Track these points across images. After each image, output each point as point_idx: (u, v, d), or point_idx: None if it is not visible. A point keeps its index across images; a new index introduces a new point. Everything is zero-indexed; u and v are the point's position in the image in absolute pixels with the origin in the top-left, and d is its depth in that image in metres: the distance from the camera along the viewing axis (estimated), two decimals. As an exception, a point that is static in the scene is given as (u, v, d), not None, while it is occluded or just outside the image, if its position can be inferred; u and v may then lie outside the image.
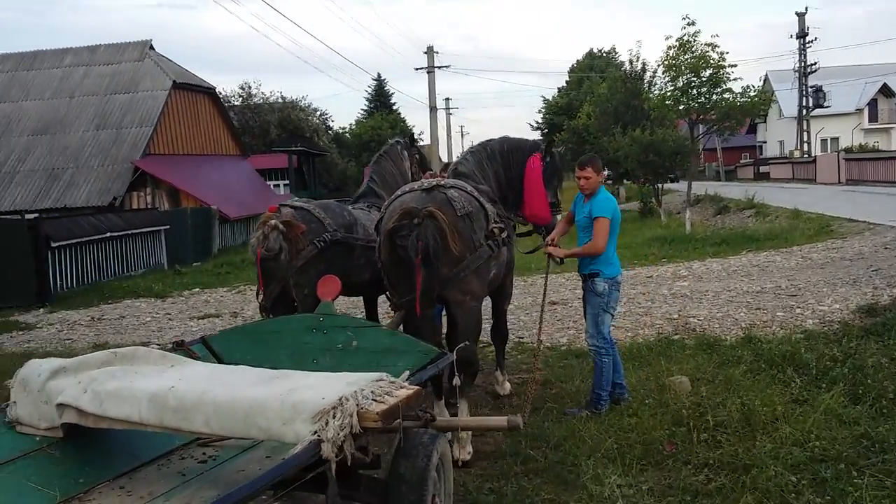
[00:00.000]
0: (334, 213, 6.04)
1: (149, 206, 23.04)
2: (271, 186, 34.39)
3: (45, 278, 13.95)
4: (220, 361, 4.32)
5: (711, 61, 17.89)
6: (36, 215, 15.10)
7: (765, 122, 57.37)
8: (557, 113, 52.12)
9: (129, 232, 17.25)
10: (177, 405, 3.10)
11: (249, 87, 40.74)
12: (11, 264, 13.57)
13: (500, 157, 6.18)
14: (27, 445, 3.30)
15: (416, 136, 7.48)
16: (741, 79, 33.03)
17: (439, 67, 40.34)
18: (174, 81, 25.89)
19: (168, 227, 18.98)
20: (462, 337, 5.30)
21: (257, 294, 5.84)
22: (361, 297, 7.27)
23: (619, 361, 6.12)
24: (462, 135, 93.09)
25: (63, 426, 3.29)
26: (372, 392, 2.99)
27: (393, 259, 5.16)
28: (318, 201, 6.31)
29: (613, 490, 4.55)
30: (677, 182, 37.22)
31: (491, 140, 6.43)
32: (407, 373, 3.30)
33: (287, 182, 33.94)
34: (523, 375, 7.34)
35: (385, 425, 2.91)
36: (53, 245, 14.29)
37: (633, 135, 24.34)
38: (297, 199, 6.31)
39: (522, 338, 8.82)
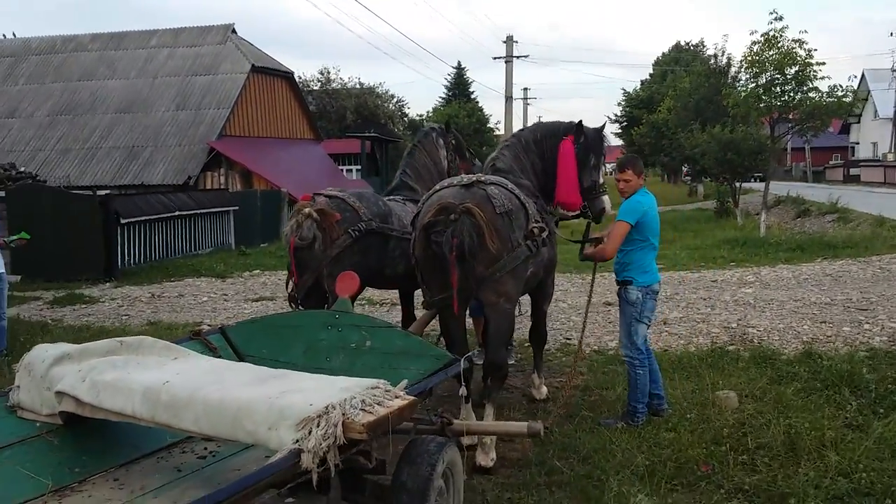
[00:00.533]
0: (369, 203, 5.88)
1: (221, 187, 23.52)
2: (343, 171, 34.76)
3: (114, 253, 14.36)
4: (236, 353, 4.29)
5: (798, 58, 17.06)
6: (107, 192, 15.49)
7: (858, 122, 54.86)
8: (637, 106, 50.98)
9: (198, 211, 17.61)
10: (169, 401, 3.04)
11: (328, 73, 41.28)
12: (83, 239, 14.02)
13: (535, 146, 5.92)
14: (26, 431, 3.30)
15: (451, 123, 7.04)
16: (829, 77, 31.66)
17: (517, 57, 39.82)
18: (253, 65, 26.33)
19: (237, 207, 19.31)
20: (494, 339, 5.14)
21: (287, 284, 5.77)
22: (397, 290, 7.13)
23: (658, 371, 5.84)
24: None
25: (62, 414, 3.28)
26: (363, 401, 2.86)
27: (427, 255, 5.01)
28: (353, 190, 6.14)
29: (637, 510, 4.32)
30: (763, 182, 35.92)
31: (523, 129, 6.20)
32: (405, 381, 3.15)
33: (359, 167, 34.19)
34: (564, 379, 7.11)
35: (371, 437, 2.78)
36: (123, 222, 14.69)
37: (711, 131, 23.58)
38: (331, 188, 6.16)
39: (570, 339, 8.57)
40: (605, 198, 5.96)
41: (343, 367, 4.00)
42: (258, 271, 14.98)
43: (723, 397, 5.94)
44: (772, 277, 11.91)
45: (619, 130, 56.83)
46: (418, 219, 5.13)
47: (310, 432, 2.70)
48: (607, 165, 6.30)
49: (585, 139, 5.84)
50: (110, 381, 3.19)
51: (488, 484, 4.82)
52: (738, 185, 24.72)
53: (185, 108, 25.52)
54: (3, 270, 8.17)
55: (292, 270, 5.61)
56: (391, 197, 6.49)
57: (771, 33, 17.61)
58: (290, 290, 5.72)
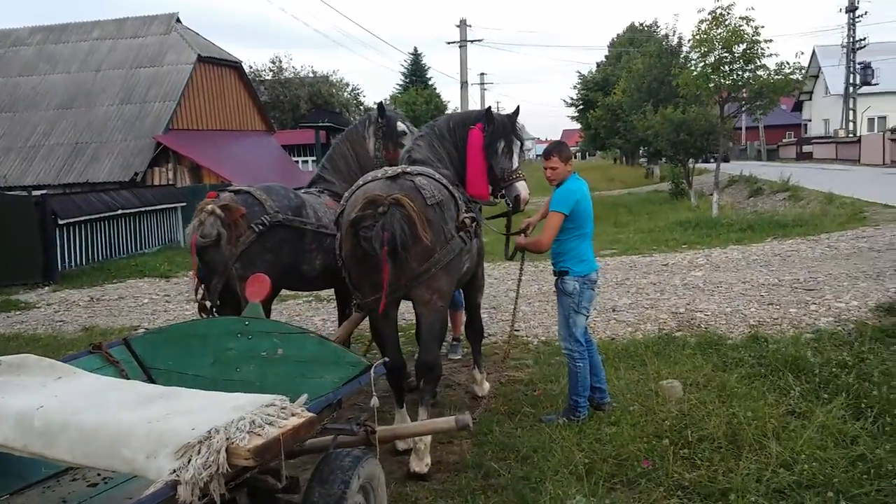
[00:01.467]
0: (278, 195, 5.50)
1: (170, 182, 22.93)
2: (299, 163, 34.23)
3: (52, 256, 13.83)
4: (141, 366, 4.00)
5: (745, 36, 17.02)
6: (44, 192, 14.92)
7: (811, 99, 55.58)
8: (593, 89, 51.02)
9: (143, 209, 17.10)
10: (42, 428, 2.76)
11: (280, 62, 40.57)
12: (19, 242, 13.47)
13: (449, 136, 5.62)
14: None
15: (384, 106, 6.54)
16: (777, 55, 31.88)
17: (471, 41, 39.52)
18: (199, 55, 25.63)
19: (185, 204, 18.79)
20: (426, 339, 4.92)
21: (195, 291, 5.43)
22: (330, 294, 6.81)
23: (599, 364, 5.65)
24: (498, 111, 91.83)
25: (-69, 444, 2.97)
26: (252, 422, 2.61)
27: (356, 254, 4.72)
28: (262, 184, 5.76)
29: (573, 513, 4.14)
30: (727, 162, 36.20)
31: (438, 119, 5.94)
32: (305, 396, 2.91)
33: (315, 158, 33.66)
34: (511, 373, 6.93)
35: (258, 464, 2.53)
36: (61, 222, 14.15)
37: (664, 112, 23.58)
38: (237, 185, 5.79)
39: (518, 331, 8.38)
40: (520, 184, 5.57)
41: (253, 377, 3.75)
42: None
43: (667, 387, 5.80)
44: (722, 259, 11.87)
45: (576, 114, 56.90)
46: (343, 216, 4.85)
47: (189, 461, 2.44)
48: (527, 152, 5.95)
49: (493, 126, 5.55)
50: (-19, 407, 2.90)
51: (422, 491, 4.61)
52: (691, 165, 24.80)
53: (130, 102, 24.78)
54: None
55: (197, 274, 5.25)
56: (307, 190, 6.17)
57: (718, 11, 17.56)
58: (198, 296, 5.37)
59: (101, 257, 15.58)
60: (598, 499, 4.29)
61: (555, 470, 4.66)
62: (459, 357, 7.44)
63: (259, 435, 2.57)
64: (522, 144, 5.75)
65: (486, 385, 6.30)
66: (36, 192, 14.53)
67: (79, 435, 2.69)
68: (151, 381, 3.95)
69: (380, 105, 6.57)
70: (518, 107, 5.97)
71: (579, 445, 4.97)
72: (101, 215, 15.54)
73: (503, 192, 5.67)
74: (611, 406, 5.58)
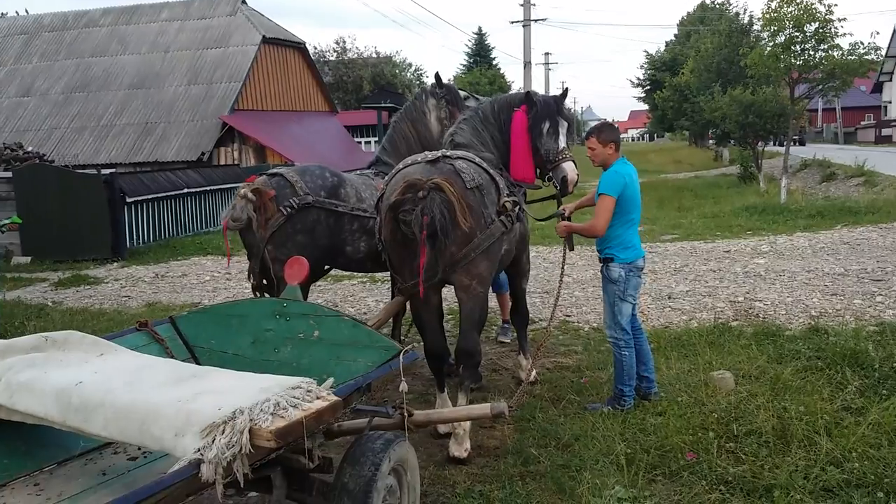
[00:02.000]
0: (312, 177, 5.48)
1: (236, 162, 23.39)
2: (361, 144, 34.49)
3: (120, 233, 14.28)
4: (185, 343, 4.09)
5: (817, 14, 16.34)
6: (113, 170, 15.37)
7: (891, 80, 53.21)
8: (660, 69, 49.89)
9: (208, 188, 17.48)
10: (79, 404, 2.85)
11: (344, 42, 40.84)
12: (89, 219, 13.96)
13: (493, 119, 5.53)
14: (-52, 434, 3.13)
15: (440, 77, 6.40)
16: (851, 34, 30.46)
17: (535, 21, 39.05)
18: (264, 36, 26.04)
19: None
20: (465, 325, 4.88)
21: (248, 272, 5.55)
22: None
23: (648, 353, 5.54)
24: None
25: (-15, 415, 3.10)
26: (276, 404, 2.64)
27: (396, 238, 4.71)
28: (299, 165, 5.73)
29: (611, 504, 4.08)
30: (803, 145, 35.08)
31: (483, 103, 5.85)
32: (331, 380, 2.92)
33: (377, 139, 33.87)
34: (559, 359, 6.87)
35: (279, 445, 2.56)
36: (129, 200, 14.59)
37: (732, 94, 22.91)
38: (280, 165, 5.87)
39: (570, 316, 8.30)
40: (567, 165, 5.42)
41: (290, 358, 3.80)
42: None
43: (718, 378, 5.64)
44: (787, 246, 11.50)
45: (643, 94, 55.76)
46: (383, 200, 4.85)
47: (213, 440, 2.48)
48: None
49: (537, 107, 5.44)
50: (25, 381, 3.01)
51: (460, 475, 4.60)
52: (760, 148, 24.05)
53: (196, 83, 25.35)
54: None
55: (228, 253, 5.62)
56: (362, 171, 6.18)
57: (789, -13, 16.90)
58: (251, 279, 5.49)
59: (167, 235, 16.01)
60: (638, 490, 4.21)
61: (595, 459, 4.60)
62: (509, 340, 7.39)
63: (282, 417, 2.59)
64: (570, 125, 5.62)
65: (534, 372, 6.24)
66: (105, 171, 14.96)
67: (113, 412, 2.76)
68: (195, 359, 4.05)
69: (437, 75, 6.49)
70: (566, 88, 5.86)
71: (622, 435, 4.90)
72: (168, 194, 15.96)
73: (550, 174, 5.56)
74: (658, 396, 5.48)
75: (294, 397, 2.72)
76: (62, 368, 3.11)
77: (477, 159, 4.92)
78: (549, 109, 5.45)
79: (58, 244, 13.99)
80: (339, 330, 3.74)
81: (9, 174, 14.78)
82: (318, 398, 2.76)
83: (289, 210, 5.27)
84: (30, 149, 18.65)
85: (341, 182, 5.62)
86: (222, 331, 4.03)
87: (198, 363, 3.99)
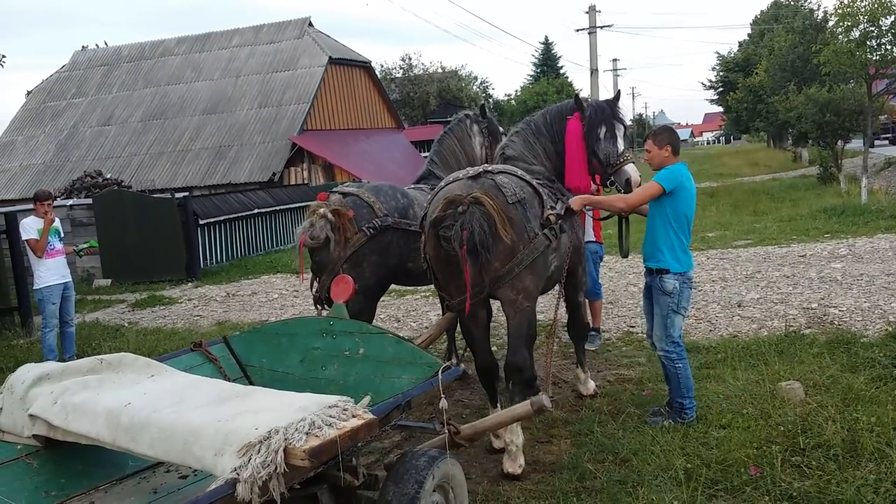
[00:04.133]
0: (386, 197, 5.61)
1: (305, 182, 23.88)
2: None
3: (194, 254, 14.74)
4: (238, 363, 4.18)
5: (893, 7, 15.66)
6: (186, 194, 15.89)
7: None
8: (733, 70, 48.67)
9: (278, 208, 17.89)
10: (128, 424, 2.94)
11: (410, 59, 41.31)
12: (164, 241, 14.45)
13: (546, 130, 5.51)
14: (5, 454, 3.27)
15: (486, 108, 6.72)
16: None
17: (601, 27, 38.66)
18: (330, 57, 26.58)
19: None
20: (513, 340, 4.83)
21: (311, 285, 5.65)
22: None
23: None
24: (633, 97, 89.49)
25: (38, 437, 3.23)
26: (311, 423, 2.66)
27: (439, 255, 4.71)
28: (370, 184, 5.90)
29: (668, 521, 3.97)
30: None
31: (534, 114, 5.80)
32: (367, 399, 2.93)
33: (444, 153, 34.07)
34: (622, 371, 6.73)
35: (314, 465, 2.57)
36: (202, 222, 15.06)
37: (808, 92, 22.15)
38: (349, 183, 6.00)
39: (634, 327, 8.13)
40: (629, 167, 5.39)
41: (337, 376, 3.84)
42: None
43: (786, 389, 5.44)
44: (866, 249, 11.01)
45: (715, 97, 54.47)
46: (427, 216, 4.86)
47: (249, 460, 2.52)
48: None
49: (590, 112, 5.40)
50: (78, 403, 3.12)
51: (514, 491, 4.56)
52: (840, 147, 23.14)
53: (267, 105, 26.03)
54: (70, 279, 8.43)
55: (301, 269, 5.48)
56: (418, 186, 6.23)
57: (863, -18, 16.27)
58: (314, 291, 5.59)
59: (239, 254, 16.44)
60: (698, 506, 4.09)
61: (654, 474, 4.48)
62: (594, 348, 7.27)
63: (317, 436, 2.61)
64: (626, 128, 5.57)
65: (591, 383, 6.13)
66: (179, 195, 15.47)
67: (158, 431, 2.83)
68: (248, 377, 4.13)
69: (482, 107, 6.74)
70: (619, 91, 5.84)
71: (683, 449, 4.76)
72: (239, 214, 16.40)
73: (612, 179, 5.53)
74: (691, 420, 5.22)
75: (330, 416, 2.74)
76: (114, 390, 3.22)
77: (519, 172, 4.89)
78: (603, 114, 5.43)
79: (136, 266, 14.52)
80: (383, 347, 3.75)
81: (89, 201, 15.45)
82: (353, 416, 2.77)
83: (371, 231, 5.37)
84: (109, 176, 19.49)
85: (411, 202, 5.73)
86: (273, 350, 4.10)
87: (250, 382, 4.07)
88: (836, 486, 4.06)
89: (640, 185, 5.43)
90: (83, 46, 32.82)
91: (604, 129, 5.40)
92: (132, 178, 24.52)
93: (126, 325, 10.63)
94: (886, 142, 36.21)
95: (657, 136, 5.22)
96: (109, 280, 14.82)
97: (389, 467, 3.43)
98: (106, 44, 32.72)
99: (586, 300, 6.98)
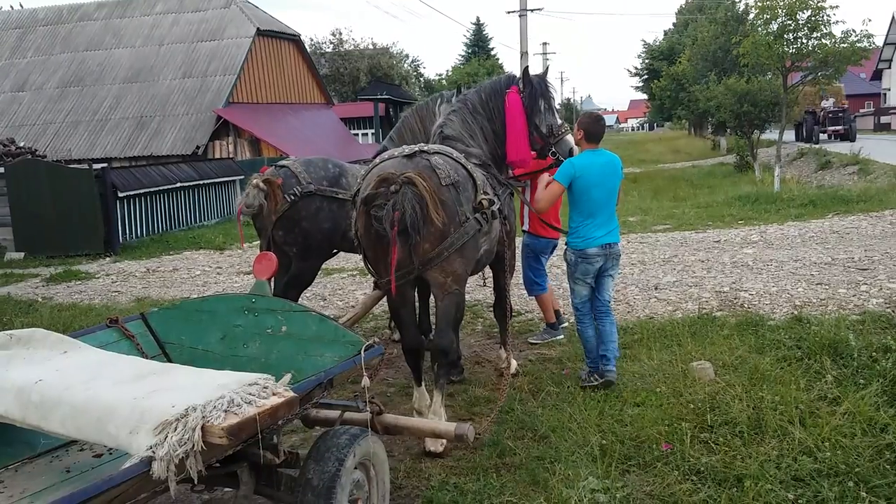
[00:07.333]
0: (315, 168, 6.01)
1: (230, 156, 23.37)
2: (359, 136, 34.44)
3: (113, 228, 14.30)
4: (157, 340, 4.10)
5: (810, 2, 16.28)
6: (104, 165, 15.35)
7: (889, 67, 53.04)
8: (658, 58, 49.76)
9: (202, 182, 17.49)
10: (39, 401, 2.86)
11: (340, 34, 40.74)
12: (81, 214, 13.97)
13: (482, 109, 5.62)
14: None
15: (461, 89, 6.87)
16: (844, 22, 30.44)
17: (532, 10, 38.86)
18: (258, 29, 25.97)
19: (243, 177, 19.15)
20: (441, 322, 4.88)
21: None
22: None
23: (610, 332, 5.72)
24: (562, 81, 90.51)
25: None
26: (230, 401, 2.64)
27: (370, 233, 4.70)
28: (305, 157, 6.29)
29: (583, 495, 4.09)
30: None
31: (468, 92, 5.87)
32: (288, 376, 2.93)
33: (374, 131, 33.84)
34: (543, 351, 6.88)
35: (232, 443, 2.57)
36: (121, 195, 14.61)
37: (727, 83, 22.87)
38: (289, 158, 6.35)
39: (558, 309, 8.26)
40: (569, 137, 5.79)
41: (259, 354, 3.82)
42: (258, 242, 14.83)
43: (697, 369, 5.66)
44: (777, 236, 11.50)
45: (640, 84, 55.64)
46: (358, 194, 4.84)
47: (165, 438, 2.49)
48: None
49: (531, 86, 5.61)
50: (-14, 379, 3.02)
51: (435, 467, 4.63)
52: (756, 137, 24.02)
53: (191, 76, 25.30)
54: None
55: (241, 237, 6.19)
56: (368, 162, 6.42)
57: (782, -25, 16.86)
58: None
59: (160, 229, 16.04)
60: (611, 480, 4.23)
61: (570, 450, 4.62)
62: (539, 341, 7.13)
63: (235, 414, 2.60)
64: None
65: (514, 363, 6.25)
66: (97, 166, 14.96)
67: (70, 409, 2.77)
68: (166, 355, 4.06)
69: (458, 87, 6.87)
70: (548, 66, 6.04)
71: (598, 426, 4.92)
72: (161, 188, 15.99)
73: (553, 150, 5.83)
74: (613, 379, 5.61)
75: (250, 394, 2.73)
76: (24, 366, 3.12)
77: (455, 154, 4.91)
78: (542, 87, 5.67)
79: (50, 239, 14.02)
80: (306, 325, 3.75)
81: (1, 170, 14.78)
82: (273, 394, 2.77)
83: (293, 197, 5.79)
84: (22, 144, 18.66)
85: (343, 172, 6.10)
86: (192, 327, 4.04)
87: (169, 359, 4.00)
88: (741, 461, 4.26)
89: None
90: (-5, 7, 31.22)
91: (543, 102, 5.66)
92: (47, 147, 23.50)
93: (40, 300, 10.26)
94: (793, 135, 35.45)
95: (579, 119, 5.61)
96: (23, 253, 14.27)
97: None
98: (21, 6, 31.20)
99: (536, 296, 7.07)
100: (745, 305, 7.63)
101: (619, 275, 6.63)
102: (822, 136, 31.51)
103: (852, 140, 29.92)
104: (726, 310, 7.53)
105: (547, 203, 5.62)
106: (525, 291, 7.40)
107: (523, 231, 6.87)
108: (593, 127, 5.48)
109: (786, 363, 5.72)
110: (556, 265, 10.51)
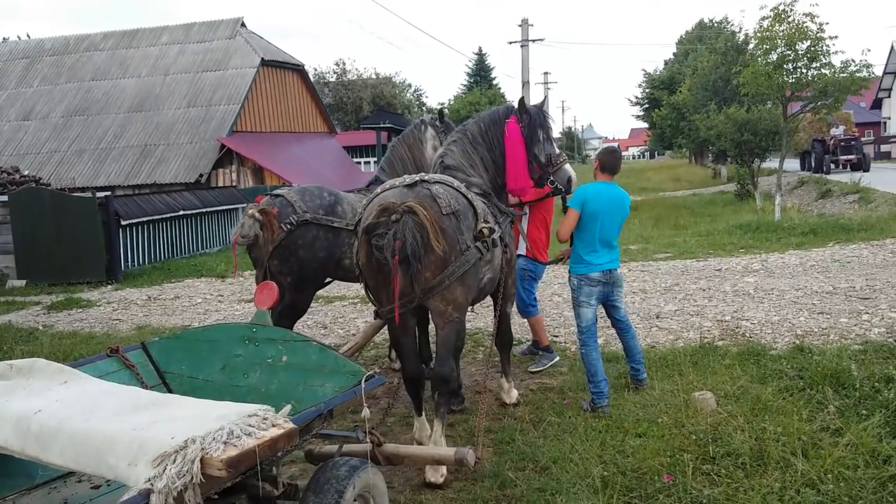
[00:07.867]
0: (311, 196, 6.01)
1: (233, 184, 23.49)
2: (362, 164, 34.61)
3: (115, 255, 14.32)
4: (157, 370, 4.10)
5: (809, 33, 16.43)
6: (107, 193, 15.41)
7: (889, 96, 53.33)
8: (658, 87, 50.10)
9: (204, 210, 17.55)
10: (38, 432, 2.86)
11: (344, 64, 41.10)
12: (84, 241, 14.00)
13: (482, 139, 5.68)
14: None
15: (444, 113, 6.98)
16: (843, 52, 30.40)
17: (533, 41, 39.22)
18: (262, 59, 26.24)
19: (245, 205, 19.19)
20: (441, 350, 4.87)
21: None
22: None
23: (635, 347, 6.20)
24: (563, 110, 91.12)
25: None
26: (230, 432, 2.64)
27: (371, 262, 4.72)
28: (300, 186, 6.29)
29: (584, 529, 4.07)
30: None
31: (468, 122, 5.93)
32: (288, 407, 2.93)
33: (376, 159, 33.97)
34: (544, 380, 6.85)
35: (231, 475, 2.56)
36: (124, 223, 14.66)
37: (727, 112, 23.00)
38: (285, 186, 6.38)
39: (557, 336, 8.28)
40: (568, 166, 5.90)
41: (259, 384, 3.81)
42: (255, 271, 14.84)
43: (699, 399, 5.63)
44: (778, 265, 11.49)
45: (641, 113, 55.97)
46: (360, 223, 4.87)
47: (164, 470, 2.48)
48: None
49: (529, 116, 5.70)
50: (-14, 410, 3.01)
51: (436, 499, 4.60)
52: (756, 166, 24.10)
53: (196, 105, 25.52)
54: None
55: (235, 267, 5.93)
56: (361, 189, 6.59)
57: (780, 7, 17.01)
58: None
59: (162, 257, 16.06)
60: (613, 513, 4.20)
61: (572, 482, 4.58)
62: (539, 369, 7.07)
63: (235, 446, 2.59)
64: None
65: (515, 392, 6.23)
66: (100, 194, 15.03)
67: (69, 440, 2.76)
68: (166, 385, 4.06)
69: (440, 111, 6.99)
70: (546, 96, 6.12)
71: (600, 457, 4.88)
72: (163, 216, 16.03)
73: (552, 179, 5.92)
74: (644, 384, 6.03)
75: (249, 425, 2.72)
76: (24, 397, 3.12)
77: (456, 184, 4.95)
78: (540, 117, 5.75)
79: (53, 267, 14.04)
80: (307, 355, 3.75)
81: (5, 198, 14.86)
82: (273, 426, 2.76)
83: (289, 227, 5.78)
84: (26, 172, 18.76)
85: (338, 200, 6.10)
86: (193, 356, 4.04)
87: (169, 389, 4.00)
88: (743, 493, 4.23)
89: (577, 184, 5.98)
90: (3, 38, 31.59)
91: (541, 132, 5.74)
92: (52, 175, 23.65)
93: (40, 328, 10.26)
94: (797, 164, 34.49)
95: (599, 151, 5.95)
96: (24, 281, 14.29)
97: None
98: (28, 36, 31.55)
99: (527, 318, 7.10)
100: (747, 335, 7.61)
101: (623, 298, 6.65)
102: (833, 167, 29.17)
103: (866, 170, 27.98)
104: (728, 339, 7.51)
105: (567, 230, 5.74)
106: (523, 318, 7.43)
107: (518, 255, 6.87)
108: (608, 158, 5.78)
109: (788, 393, 5.69)
110: (557, 293, 10.53)
